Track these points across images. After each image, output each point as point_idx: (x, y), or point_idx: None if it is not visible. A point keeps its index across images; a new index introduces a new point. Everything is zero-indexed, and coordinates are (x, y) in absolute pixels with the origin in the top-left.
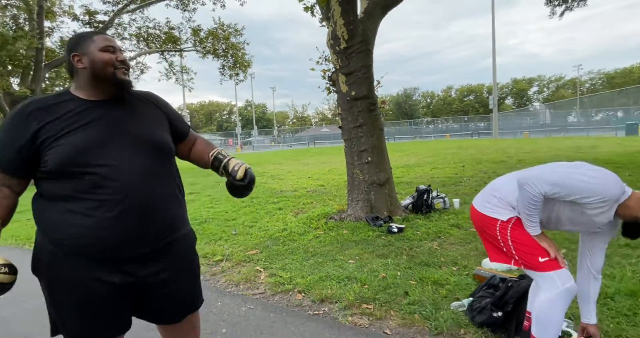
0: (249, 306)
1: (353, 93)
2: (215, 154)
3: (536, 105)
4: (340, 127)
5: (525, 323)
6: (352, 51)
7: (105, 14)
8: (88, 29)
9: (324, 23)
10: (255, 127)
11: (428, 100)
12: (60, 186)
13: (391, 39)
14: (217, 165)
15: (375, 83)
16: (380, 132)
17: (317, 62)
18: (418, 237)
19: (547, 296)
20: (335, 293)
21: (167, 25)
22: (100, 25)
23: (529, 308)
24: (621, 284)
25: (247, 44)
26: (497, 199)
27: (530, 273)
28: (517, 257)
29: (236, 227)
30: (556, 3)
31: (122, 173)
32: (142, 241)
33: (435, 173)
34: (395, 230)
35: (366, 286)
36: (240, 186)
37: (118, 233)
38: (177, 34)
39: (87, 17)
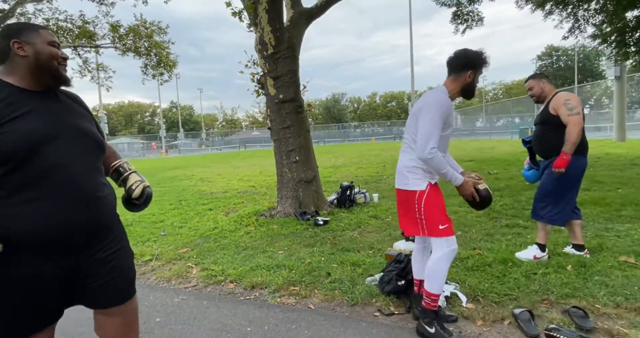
0: (182, 297)
1: (281, 96)
2: (116, 166)
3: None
4: (269, 128)
5: (415, 288)
6: (279, 56)
7: (4, 1)
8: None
9: (252, 28)
10: (181, 129)
11: (355, 105)
12: (6, 176)
13: (319, 45)
14: (117, 177)
15: (301, 87)
16: (307, 133)
17: (246, 65)
18: (341, 227)
19: (437, 255)
20: (265, 279)
21: (80, 19)
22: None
23: (415, 276)
24: (497, 255)
25: (172, 43)
26: (411, 174)
27: (429, 239)
28: (425, 226)
29: (165, 228)
30: (459, 21)
31: (71, 164)
32: (89, 229)
33: (359, 173)
34: (321, 222)
35: (294, 271)
36: (135, 204)
37: (68, 223)
38: (92, 28)
39: None
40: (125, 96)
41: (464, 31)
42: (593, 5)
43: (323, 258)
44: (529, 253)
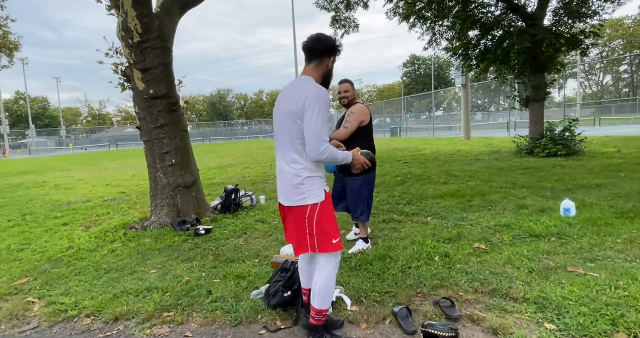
0: None
1: (151, 91)
2: None
3: (332, 110)
4: (138, 128)
5: (304, 297)
6: (148, 46)
7: None
8: None
9: (112, 11)
10: (32, 126)
11: (242, 102)
12: None
13: (201, 38)
14: None
15: (176, 82)
16: (184, 133)
17: (107, 53)
18: (225, 235)
19: (326, 272)
20: (132, 308)
21: None
22: None
23: (303, 285)
24: (377, 252)
25: (13, 20)
26: (306, 185)
27: (317, 255)
28: (317, 242)
29: None
30: (337, 26)
31: None
32: None
33: (246, 173)
34: (203, 232)
35: (168, 293)
36: None
37: None
38: None
39: None
40: None
41: (342, 36)
42: (446, 22)
43: (204, 274)
44: (358, 247)
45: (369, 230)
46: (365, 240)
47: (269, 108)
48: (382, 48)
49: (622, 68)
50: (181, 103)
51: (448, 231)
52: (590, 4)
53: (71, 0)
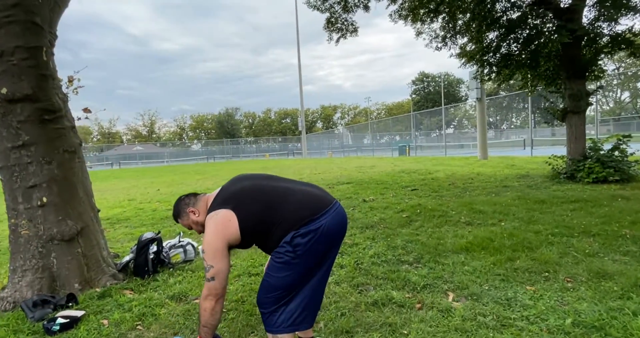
0: None
1: (4, 90)
2: None
3: (340, 128)
4: None
5: None
6: None
7: None
8: None
9: None
10: None
11: (250, 120)
12: None
13: (213, 58)
14: None
15: (64, 82)
16: (68, 155)
17: None
18: (100, 333)
19: None
20: None
21: None
22: None
23: None
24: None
25: None
26: None
27: None
28: None
29: None
30: (332, 29)
31: None
32: None
33: None
34: (57, 327)
35: None
36: None
37: None
38: None
39: None
40: None
41: (338, 40)
42: (459, 23)
43: None
44: None
45: None
46: None
47: (276, 126)
48: (391, 67)
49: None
50: (73, 115)
51: (489, 336)
52: None
53: (88, 23)
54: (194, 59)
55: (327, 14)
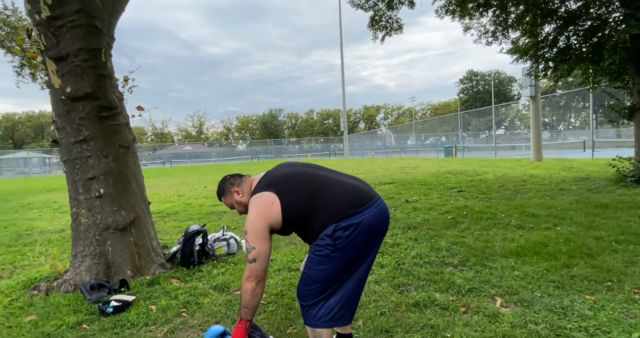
0: None
1: (69, 89)
2: None
3: (383, 129)
4: (54, 141)
5: None
6: (63, 24)
7: None
8: None
9: None
10: None
11: (293, 121)
12: None
13: (258, 61)
14: None
15: (121, 82)
16: (123, 150)
17: (21, 40)
18: (148, 318)
19: None
20: None
21: None
22: None
23: None
24: None
25: None
26: None
27: None
28: None
29: None
30: (376, 27)
31: None
32: None
33: None
34: (111, 309)
35: None
36: None
37: None
38: None
39: None
40: (36, 106)
41: (383, 38)
42: (511, 16)
43: None
44: None
45: None
46: None
47: (319, 127)
48: (437, 66)
49: None
50: (128, 112)
51: None
52: None
53: (144, 30)
54: (240, 62)
55: (371, 12)
